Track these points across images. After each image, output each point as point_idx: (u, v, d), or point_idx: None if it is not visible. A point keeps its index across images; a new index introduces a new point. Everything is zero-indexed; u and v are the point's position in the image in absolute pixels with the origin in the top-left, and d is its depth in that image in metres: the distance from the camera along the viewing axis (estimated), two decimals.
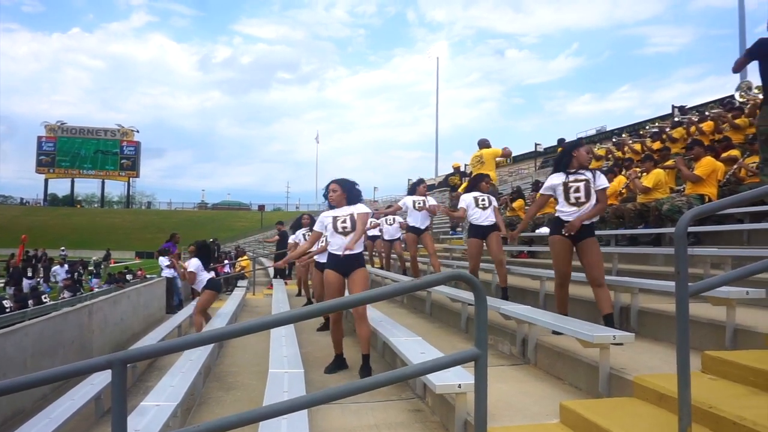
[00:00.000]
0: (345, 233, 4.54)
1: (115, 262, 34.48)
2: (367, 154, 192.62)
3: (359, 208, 4.66)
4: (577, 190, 4.23)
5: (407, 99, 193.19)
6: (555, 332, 4.05)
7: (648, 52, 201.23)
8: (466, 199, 6.16)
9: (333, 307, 2.88)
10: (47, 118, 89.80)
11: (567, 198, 4.27)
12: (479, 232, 6.06)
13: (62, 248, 33.97)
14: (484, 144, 8.98)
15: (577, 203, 4.23)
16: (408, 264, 8.96)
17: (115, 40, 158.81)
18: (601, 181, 4.31)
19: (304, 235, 9.09)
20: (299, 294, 10.82)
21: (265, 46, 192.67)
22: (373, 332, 5.27)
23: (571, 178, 4.29)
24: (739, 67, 5.32)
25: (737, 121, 8.45)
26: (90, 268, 27.97)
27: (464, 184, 10.11)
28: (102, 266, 29.74)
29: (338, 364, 4.85)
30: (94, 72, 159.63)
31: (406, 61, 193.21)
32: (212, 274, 7.75)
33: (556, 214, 4.41)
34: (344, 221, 4.57)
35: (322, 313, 4.17)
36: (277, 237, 15.26)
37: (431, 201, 7.86)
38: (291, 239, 9.78)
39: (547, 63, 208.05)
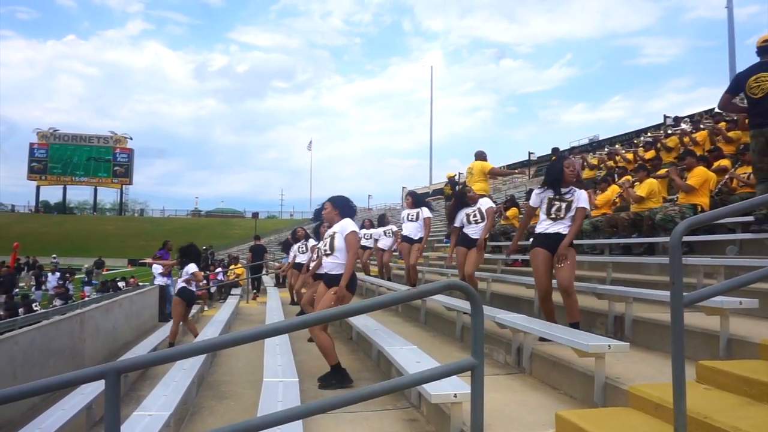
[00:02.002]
0: (326, 255, 4.81)
1: (107, 270, 34.18)
2: (362, 162, 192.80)
3: (343, 226, 4.75)
4: (559, 209, 4.44)
5: (403, 107, 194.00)
6: (541, 339, 4.11)
7: (640, 63, 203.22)
8: (460, 217, 6.28)
9: (326, 318, 2.88)
10: (41, 125, 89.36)
11: (548, 212, 4.47)
12: (466, 241, 6.21)
13: (54, 256, 33.64)
14: (479, 156, 9.07)
15: (556, 218, 4.42)
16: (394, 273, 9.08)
17: (110, 47, 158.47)
18: (581, 201, 4.45)
19: (299, 247, 9.46)
20: (293, 302, 10.79)
21: (261, 54, 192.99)
22: (368, 341, 5.26)
23: (557, 197, 4.46)
24: (723, 105, 5.49)
25: (730, 134, 8.53)
26: (81, 276, 27.69)
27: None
28: (94, 274, 29.50)
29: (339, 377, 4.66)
30: (89, 79, 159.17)
31: (402, 69, 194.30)
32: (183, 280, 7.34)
33: (536, 228, 4.58)
34: (325, 244, 4.85)
35: (316, 323, 4.15)
36: (250, 254, 15.74)
37: (426, 213, 7.98)
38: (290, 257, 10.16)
39: (541, 72, 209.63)
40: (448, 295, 6.07)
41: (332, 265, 4.73)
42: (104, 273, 31.06)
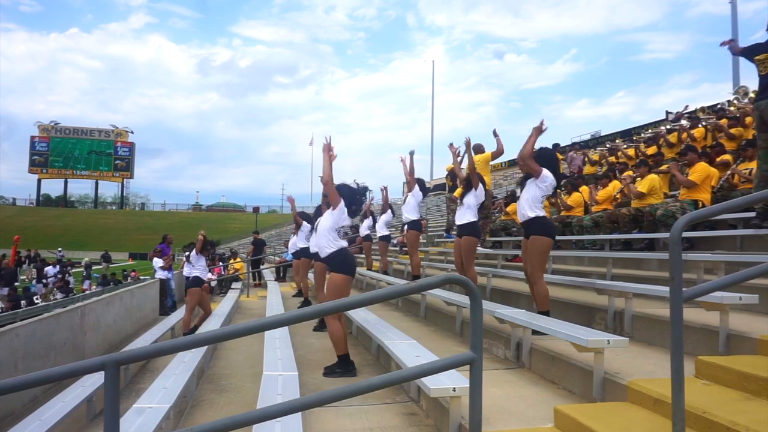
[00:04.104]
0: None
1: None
2: (364, 157, 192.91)
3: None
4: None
5: (406, 102, 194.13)
6: (534, 331, 4.13)
7: (645, 59, 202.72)
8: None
9: (328, 310, 2.87)
10: (43, 118, 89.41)
11: None
12: (458, 231, 6.20)
13: (59, 249, 33.52)
14: (477, 149, 9.01)
15: None
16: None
17: (113, 40, 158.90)
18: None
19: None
20: (295, 295, 10.81)
21: (264, 48, 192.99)
22: (368, 335, 5.27)
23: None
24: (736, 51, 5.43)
25: (732, 131, 8.49)
26: (80, 269, 27.65)
27: (460, 189, 10.17)
28: (103, 267, 29.60)
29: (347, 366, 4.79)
30: (92, 72, 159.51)
31: (405, 64, 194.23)
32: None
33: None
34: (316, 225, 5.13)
35: (317, 316, 4.17)
36: (252, 247, 15.97)
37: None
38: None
39: (546, 68, 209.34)
40: (448, 290, 6.07)
41: (320, 242, 4.83)
42: (110, 267, 31.05)
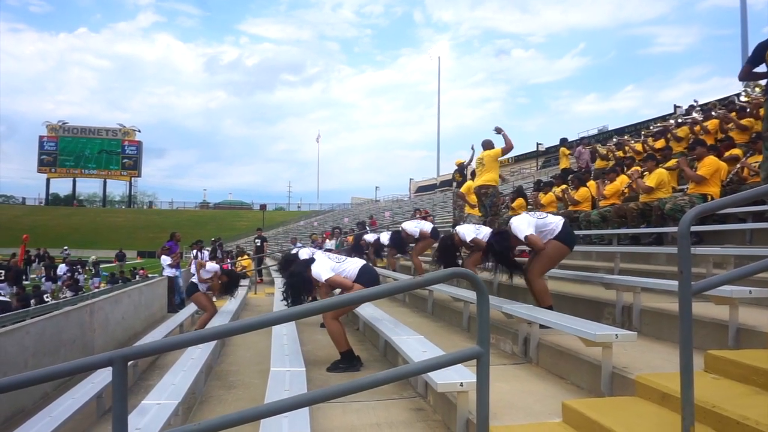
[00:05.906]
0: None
1: (116, 262, 34.46)
2: (371, 154, 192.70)
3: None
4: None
5: (413, 99, 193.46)
6: (542, 326, 4.12)
7: (653, 52, 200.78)
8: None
9: (333, 305, 2.88)
10: (52, 118, 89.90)
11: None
12: None
13: (65, 247, 33.82)
14: (487, 145, 8.94)
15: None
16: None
17: (121, 39, 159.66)
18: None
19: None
20: None
21: (271, 46, 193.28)
22: (375, 331, 5.27)
23: None
24: (744, 75, 5.37)
25: (743, 121, 8.40)
26: (88, 267, 27.84)
27: (468, 183, 10.19)
28: (116, 266, 29.87)
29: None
30: (100, 72, 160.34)
31: (412, 60, 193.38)
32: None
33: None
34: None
35: (324, 311, 4.17)
36: (264, 242, 16.27)
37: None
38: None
39: (553, 63, 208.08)
40: (455, 286, 6.07)
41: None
42: (124, 265, 31.29)
